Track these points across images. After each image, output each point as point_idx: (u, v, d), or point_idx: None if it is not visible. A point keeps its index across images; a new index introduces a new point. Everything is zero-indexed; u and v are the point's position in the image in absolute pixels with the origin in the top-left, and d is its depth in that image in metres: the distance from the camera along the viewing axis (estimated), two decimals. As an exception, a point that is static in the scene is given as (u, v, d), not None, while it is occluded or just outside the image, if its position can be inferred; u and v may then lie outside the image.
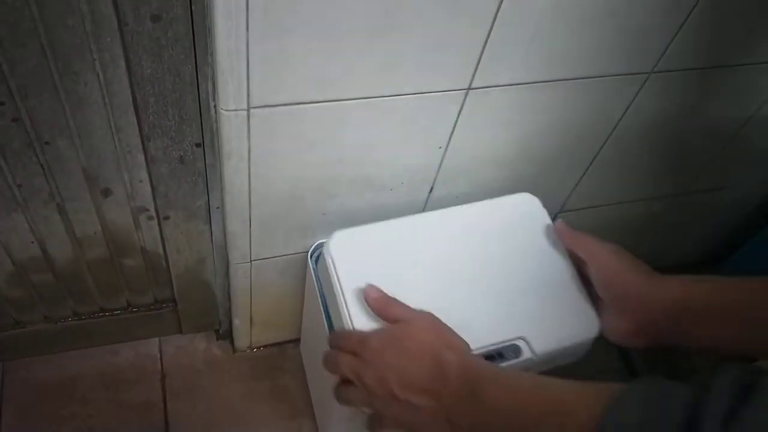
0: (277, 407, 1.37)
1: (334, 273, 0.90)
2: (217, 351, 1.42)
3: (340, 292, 0.88)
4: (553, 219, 1.26)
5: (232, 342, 1.41)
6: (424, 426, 0.69)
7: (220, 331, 1.41)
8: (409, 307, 0.81)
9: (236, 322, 1.32)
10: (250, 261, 1.10)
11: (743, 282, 0.72)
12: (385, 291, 0.85)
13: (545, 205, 1.19)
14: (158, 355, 1.40)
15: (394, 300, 0.82)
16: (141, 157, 0.92)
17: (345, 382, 0.79)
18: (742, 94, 1.08)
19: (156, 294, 1.27)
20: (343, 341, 0.80)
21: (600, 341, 1.36)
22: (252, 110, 0.79)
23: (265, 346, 1.44)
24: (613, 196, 1.26)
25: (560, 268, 0.95)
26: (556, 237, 0.97)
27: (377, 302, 0.82)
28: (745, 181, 1.38)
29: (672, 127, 1.10)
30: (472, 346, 0.78)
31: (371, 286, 0.84)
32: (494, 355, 0.87)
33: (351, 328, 0.85)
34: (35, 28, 0.72)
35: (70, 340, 1.32)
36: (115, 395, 1.34)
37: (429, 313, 0.79)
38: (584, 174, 1.14)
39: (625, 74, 0.94)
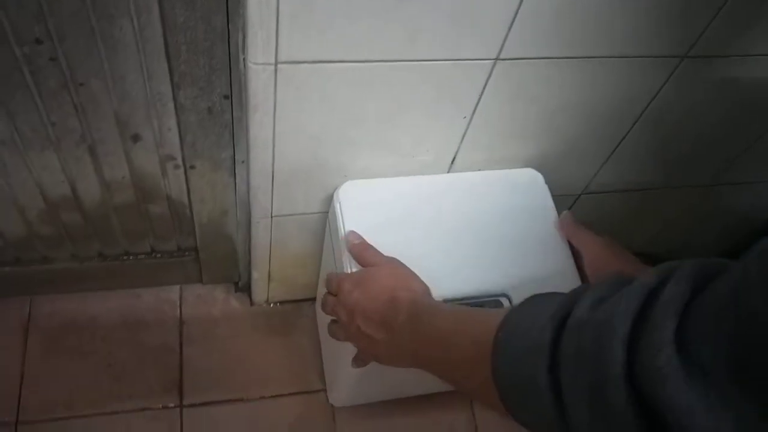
0: (289, 362, 1.41)
1: (340, 218, 0.99)
2: (235, 303, 1.46)
3: (344, 236, 0.96)
4: (576, 199, 1.26)
5: (250, 295, 1.45)
6: (384, 357, 0.80)
7: (239, 284, 1.45)
8: (380, 254, 0.91)
9: (255, 276, 1.35)
10: (271, 216, 1.12)
11: None
12: (387, 239, 0.96)
13: (568, 184, 1.20)
14: (178, 302, 1.44)
15: (370, 246, 0.92)
16: (171, 105, 0.94)
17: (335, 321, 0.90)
18: (780, 86, 1.06)
19: (179, 242, 1.30)
20: (329, 285, 0.90)
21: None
22: (279, 65, 0.80)
23: (281, 302, 1.47)
24: (637, 181, 1.25)
25: (552, 239, 1.02)
26: (558, 227, 1.03)
27: (355, 248, 0.93)
28: (776, 177, 1.35)
29: (703, 115, 1.08)
30: (458, 296, 0.91)
31: (352, 232, 0.95)
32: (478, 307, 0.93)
33: (349, 270, 0.94)
34: (75, -31, 0.73)
35: (95, 279, 1.37)
36: (134, 336, 1.39)
37: (395, 259, 0.90)
38: (610, 156, 1.13)
39: (658, 56, 0.92)
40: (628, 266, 0.87)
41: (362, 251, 0.92)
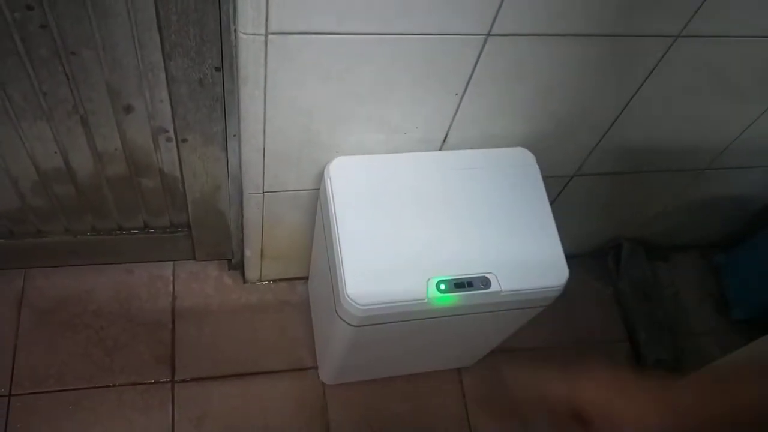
0: (281, 340, 1.42)
1: (330, 194, 0.99)
2: (228, 280, 1.47)
3: (333, 210, 0.97)
4: (569, 180, 1.26)
5: (243, 273, 1.45)
6: None
7: (233, 262, 1.45)
8: None
9: (248, 253, 1.35)
10: (263, 192, 1.12)
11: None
12: (376, 216, 0.97)
13: (560, 165, 1.20)
14: (171, 278, 1.45)
15: None
16: (162, 76, 0.94)
17: None
18: (774, 69, 1.05)
19: (172, 217, 1.30)
20: None
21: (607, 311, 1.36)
22: (270, 36, 0.80)
23: (274, 280, 1.48)
24: (631, 164, 1.24)
25: (541, 218, 1.03)
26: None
27: None
28: (771, 163, 1.35)
29: (698, 97, 1.08)
30: (447, 273, 0.93)
31: None
32: (464, 284, 0.94)
33: (339, 245, 0.94)
34: (65, -67, 0.73)
35: (89, 254, 1.37)
36: (127, 311, 1.39)
37: None
38: (602, 137, 1.13)
39: (651, 35, 0.92)
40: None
41: None
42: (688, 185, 1.36)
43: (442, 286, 0.94)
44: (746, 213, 1.54)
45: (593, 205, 1.39)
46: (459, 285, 0.94)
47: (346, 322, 0.98)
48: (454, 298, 0.94)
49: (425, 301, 0.93)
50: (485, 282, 0.95)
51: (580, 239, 1.54)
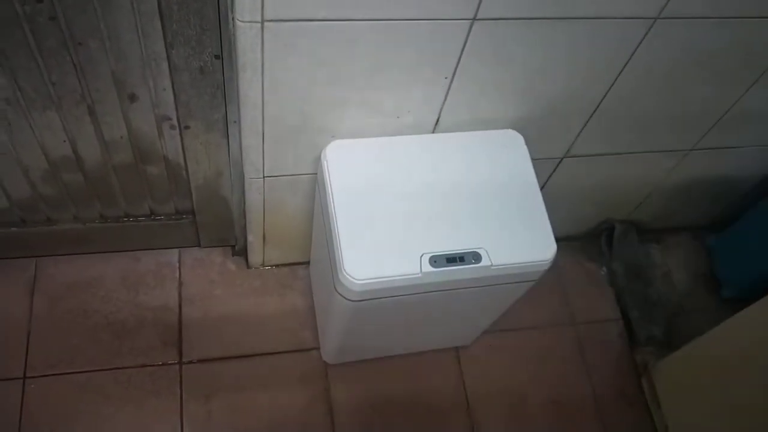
0: (284, 322, 1.46)
1: (327, 177, 1.03)
2: (232, 266, 1.51)
3: (330, 193, 1.02)
4: (559, 162, 1.30)
5: (246, 259, 1.50)
6: None
7: (236, 248, 1.50)
8: None
9: (250, 238, 1.40)
10: (263, 177, 1.17)
11: None
12: (372, 198, 1.01)
13: (550, 147, 1.24)
14: (177, 265, 1.49)
15: None
16: (165, 65, 0.98)
17: None
18: (753, 50, 1.09)
19: (177, 204, 1.35)
20: None
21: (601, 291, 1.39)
22: (266, 23, 0.85)
23: (277, 265, 1.52)
24: (619, 145, 1.28)
25: (529, 197, 1.07)
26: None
27: None
28: (757, 143, 1.38)
29: (678, 77, 1.11)
30: (440, 249, 0.97)
31: None
32: (456, 259, 0.99)
33: (336, 226, 0.98)
34: (71, -71, 0.78)
35: (97, 242, 1.42)
36: (134, 297, 1.44)
37: None
38: (589, 118, 1.17)
39: (632, 18, 0.96)
40: None
41: None
42: (676, 166, 1.40)
43: (435, 261, 0.98)
44: (736, 194, 1.57)
45: (584, 188, 1.43)
46: (451, 260, 0.99)
47: (345, 298, 1.03)
48: (447, 272, 0.99)
49: (419, 275, 0.98)
50: (476, 257, 0.99)
51: (572, 222, 1.58)
